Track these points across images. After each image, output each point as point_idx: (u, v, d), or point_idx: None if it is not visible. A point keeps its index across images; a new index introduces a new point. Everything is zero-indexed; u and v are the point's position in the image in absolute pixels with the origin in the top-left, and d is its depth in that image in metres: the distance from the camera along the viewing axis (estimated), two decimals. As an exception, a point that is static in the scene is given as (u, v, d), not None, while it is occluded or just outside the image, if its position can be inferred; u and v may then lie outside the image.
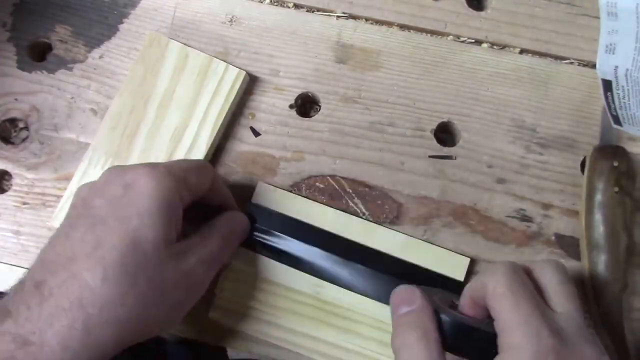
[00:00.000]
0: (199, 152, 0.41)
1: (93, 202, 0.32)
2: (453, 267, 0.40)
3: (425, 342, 0.31)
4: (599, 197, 0.39)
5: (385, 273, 0.39)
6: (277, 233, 0.40)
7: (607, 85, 0.41)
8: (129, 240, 0.30)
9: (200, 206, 0.36)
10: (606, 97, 0.42)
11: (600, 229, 0.39)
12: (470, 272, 0.40)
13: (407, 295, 0.34)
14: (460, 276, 0.39)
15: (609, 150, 0.40)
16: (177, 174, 0.33)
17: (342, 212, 0.41)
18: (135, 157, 0.41)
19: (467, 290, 0.34)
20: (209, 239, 0.34)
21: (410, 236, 0.40)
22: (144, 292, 0.30)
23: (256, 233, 0.40)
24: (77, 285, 0.29)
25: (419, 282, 0.37)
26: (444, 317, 0.32)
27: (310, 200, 0.41)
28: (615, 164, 0.39)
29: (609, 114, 0.42)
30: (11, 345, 0.28)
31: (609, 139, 0.41)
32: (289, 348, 0.39)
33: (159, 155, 0.41)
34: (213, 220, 0.36)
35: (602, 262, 0.38)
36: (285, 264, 0.39)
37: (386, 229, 0.41)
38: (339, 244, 0.40)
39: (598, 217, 0.39)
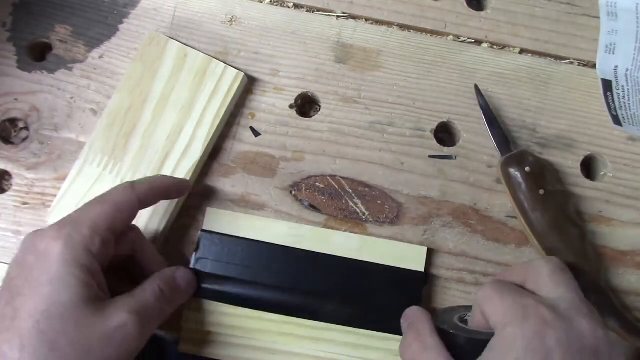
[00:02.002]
0: (195, 153, 0.41)
1: (11, 274, 0.32)
2: (412, 259, 0.40)
3: (421, 340, 0.34)
4: (531, 207, 0.39)
5: (345, 278, 0.39)
6: (230, 262, 0.39)
7: (607, 85, 0.41)
8: (44, 306, 0.30)
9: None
10: (606, 97, 0.42)
11: (550, 235, 0.38)
12: (429, 262, 0.40)
13: (409, 312, 0.38)
14: (420, 267, 0.40)
15: (515, 159, 0.40)
16: (85, 231, 0.32)
17: (294, 224, 0.40)
18: (131, 156, 0.41)
19: (472, 314, 0.35)
20: (142, 292, 0.34)
21: (367, 236, 0.41)
22: (67, 353, 0.30)
23: (211, 262, 0.39)
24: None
25: (380, 280, 0.39)
26: (454, 335, 0.33)
27: (261, 218, 0.41)
28: (527, 169, 0.39)
29: (608, 114, 0.42)
30: None
31: (508, 149, 0.41)
32: None
33: (155, 155, 0.41)
34: (151, 276, 0.36)
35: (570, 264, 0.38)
36: (242, 304, 0.39)
37: (341, 233, 0.40)
38: (296, 257, 0.40)
39: (542, 225, 0.39)
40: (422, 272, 0.40)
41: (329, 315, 0.39)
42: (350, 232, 0.41)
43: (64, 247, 0.32)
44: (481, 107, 0.41)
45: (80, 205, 0.39)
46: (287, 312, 0.39)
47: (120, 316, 0.32)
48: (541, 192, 0.38)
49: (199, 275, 0.39)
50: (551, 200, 0.39)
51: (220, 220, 0.40)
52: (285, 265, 0.39)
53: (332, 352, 0.38)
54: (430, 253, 0.41)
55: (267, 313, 0.39)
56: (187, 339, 0.39)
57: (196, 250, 0.40)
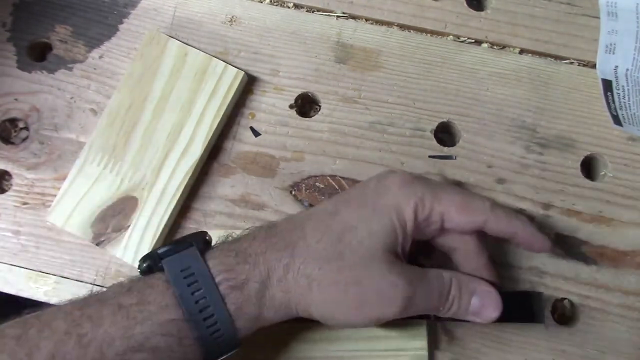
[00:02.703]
0: (195, 152, 0.41)
1: (353, 187, 0.37)
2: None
3: None
4: None
5: None
6: None
7: (607, 85, 0.41)
8: (356, 222, 0.33)
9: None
10: (606, 97, 0.42)
11: None
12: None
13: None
14: None
15: None
16: (427, 197, 0.34)
17: None
18: (131, 155, 0.41)
19: None
20: (431, 276, 0.34)
21: None
22: (342, 269, 0.32)
23: None
24: (298, 236, 0.33)
25: None
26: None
27: None
28: None
29: (608, 114, 0.42)
30: (232, 259, 0.32)
31: None
32: None
33: (155, 154, 0.41)
34: (458, 275, 0.35)
35: None
36: None
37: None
38: None
39: None
40: None
41: None
42: None
43: (401, 197, 0.34)
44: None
45: (82, 203, 0.40)
46: None
47: (400, 279, 0.32)
48: None
49: None
50: None
51: None
52: None
53: (351, 349, 0.38)
54: (430, 253, 0.41)
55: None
56: None
57: None
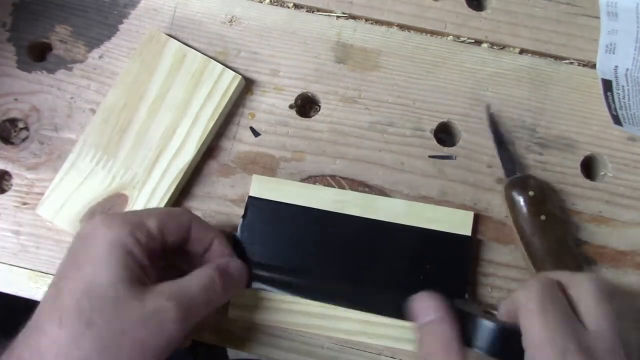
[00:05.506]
0: (188, 154, 0.40)
1: (62, 261, 0.33)
2: (458, 223, 0.40)
3: (447, 352, 0.32)
4: (531, 231, 0.39)
5: (393, 243, 0.39)
6: (277, 227, 0.40)
7: (607, 85, 0.41)
8: (83, 285, 0.31)
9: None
10: (606, 97, 0.42)
11: (546, 262, 0.38)
12: (476, 225, 0.40)
13: (428, 303, 0.35)
14: (467, 231, 0.40)
15: (520, 183, 0.39)
16: (132, 220, 0.33)
17: (340, 190, 0.41)
18: (124, 153, 0.41)
19: (502, 305, 0.35)
20: (187, 281, 0.34)
21: (411, 201, 0.41)
22: (102, 332, 0.30)
23: (259, 228, 0.40)
24: (36, 334, 0.30)
25: (428, 244, 0.39)
26: (485, 322, 0.33)
27: (307, 184, 0.41)
28: (531, 193, 0.39)
29: (609, 114, 0.42)
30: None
31: (513, 171, 0.41)
32: (313, 332, 0.39)
33: (148, 153, 0.41)
34: (202, 267, 0.35)
35: None
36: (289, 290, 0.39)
37: (385, 198, 0.41)
38: (343, 223, 0.40)
39: (540, 251, 0.38)
40: (469, 236, 0.40)
41: (379, 304, 0.39)
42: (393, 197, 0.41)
43: (108, 230, 0.32)
44: (491, 128, 0.41)
45: (72, 197, 0.40)
46: (334, 300, 0.39)
47: (157, 301, 0.31)
48: (542, 217, 0.38)
49: (246, 243, 0.40)
50: (551, 227, 0.39)
51: (266, 187, 0.41)
52: (332, 230, 0.40)
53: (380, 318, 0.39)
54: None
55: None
56: (235, 304, 0.39)
57: (244, 216, 0.40)
